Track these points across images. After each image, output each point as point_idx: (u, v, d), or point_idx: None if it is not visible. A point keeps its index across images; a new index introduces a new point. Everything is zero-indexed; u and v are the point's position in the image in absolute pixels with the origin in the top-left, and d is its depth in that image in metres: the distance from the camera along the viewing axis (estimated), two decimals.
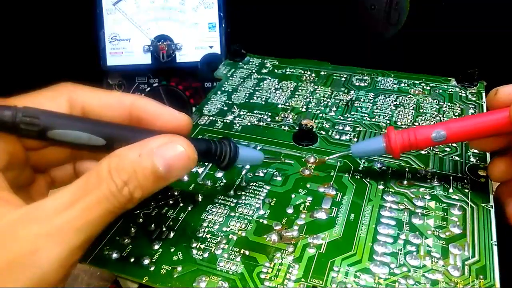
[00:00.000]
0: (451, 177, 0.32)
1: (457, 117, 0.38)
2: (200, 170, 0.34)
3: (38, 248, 0.20)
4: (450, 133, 0.28)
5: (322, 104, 0.41)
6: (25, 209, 0.21)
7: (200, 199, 0.31)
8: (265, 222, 0.29)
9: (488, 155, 0.34)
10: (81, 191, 0.21)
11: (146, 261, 0.26)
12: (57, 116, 0.23)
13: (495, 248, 0.26)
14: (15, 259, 0.20)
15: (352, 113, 0.40)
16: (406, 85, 0.44)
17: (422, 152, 0.34)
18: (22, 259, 0.20)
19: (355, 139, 0.36)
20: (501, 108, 0.27)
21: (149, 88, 0.53)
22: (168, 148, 0.22)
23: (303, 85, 0.45)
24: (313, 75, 0.47)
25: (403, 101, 0.41)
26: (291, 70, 0.48)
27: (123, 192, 0.21)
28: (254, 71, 0.48)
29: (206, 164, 0.34)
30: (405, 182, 0.32)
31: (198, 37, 0.52)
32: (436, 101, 0.41)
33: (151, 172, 0.21)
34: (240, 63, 0.49)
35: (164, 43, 0.52)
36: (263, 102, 0.42)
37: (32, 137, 0.22)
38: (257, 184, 0.32)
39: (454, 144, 0.35)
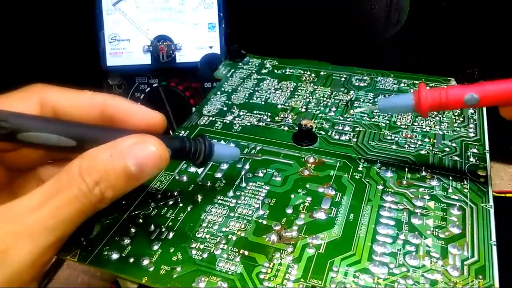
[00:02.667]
0: (450, 177, 0.32)
1: (457, 117, 0.38)
2: (200, 170, 0.34)
3: (8, 247, 0.20)
4: (483, 96, 0.27)
5: (321, 104, 0.41)
6: None
7: (199, 200, 0.31)
8: (264, 222, 0.29)
9: (487, 155, 0.34)
10: (52, 191, 0.21)
11: (146, 262, 0.26)
12: (26, 118, 0.23)
13: (494, 248, 0.26)
14: None
15: (352, 113, 0.40)
16: (405, 85, 0.44)
17: (422, 152, 0.34)
18: None
19: (355, 139, 0.36)
20: None
21: (149, 89, 0.53)
22: (139, 148, 0.22)
23: (302, 85, 0.45)
24: (313, 75, 0.47)
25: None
26: (291, 71, 0.48)
27: (94, 192, 0.21)
28: (253, 71, 0.48)
29: (204, 164, 0.34)
30: (405, 182, 0.32)
31: (198, 38, 0.52)
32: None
33: (122, 172, 0.22)
34: (240, 64, 0.49)
35: (164, 43, 0.52)
36: (263, 103, 0.42)
37: (1, 139, 0.22)
38: (256, 185, 0.32)
39: (454, 144, 0.35)
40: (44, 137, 0.22)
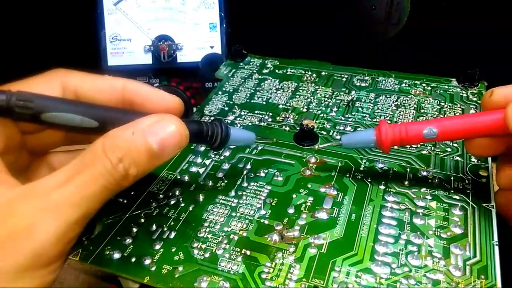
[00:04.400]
0: (452, 177, 0.32)
1: None
2: (201, 170, 0.34)
3: (35, 222, 0.20)
4: (441, 130, 0.28)
5: (323, 105, 0.41)
6: (22, 188, 0.21)
7: (201, 199, 0.31)
8: (266, 222, 0.29)
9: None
10: (77, 169, 0.21)
11: (148, 261, 0.26)
12: (50, 99, 0.23)
13: (496, 248, 0.26)
14: (12, 233, 0.20)
15: (353, 113, 0.40)
16: (407, 85, 0.44)
17: (423, 152, 0.34)
18: (19, 233, 0.20)
19: None
20: (496, 109, 0.27)
21: None
22: (160, 126, 0.23)
23: (304, 85, 0.45)
24: (314, 75, 0.47)
25: (404, 102, 0.41)
26: (292, 71, 0.48)
27: (118, 168, 0.21)
28: (255, 71, 0.48)
29: (207, 164, 0.34)
30: (406, 182, 0.32)
31: (199, 37, 0.52)
32: (437, 102, 0.41)
33: (145, 150, 0.22)
34: (241, 64, 0.49)
35: (165, 43, 0.52)
36: (264, 103, 0.42)
37: (26, 120, 0.23)
38: (258, 184, 0.32)
39: (455, 144, 0.35)
40: (67, 117, 0.23)
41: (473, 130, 0.28)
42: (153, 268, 0.26)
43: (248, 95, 0.43)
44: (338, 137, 0.36)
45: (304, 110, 0.41)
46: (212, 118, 0.40)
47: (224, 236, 0.28)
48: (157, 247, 0.27)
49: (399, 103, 0.41)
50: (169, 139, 0.23)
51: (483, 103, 0.28)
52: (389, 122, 0.38)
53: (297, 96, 0.43)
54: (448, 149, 0.35)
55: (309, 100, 0.42)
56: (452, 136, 0.29)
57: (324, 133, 0.37)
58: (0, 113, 0.22)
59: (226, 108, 0.41)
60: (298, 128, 0.37)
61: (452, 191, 0.31)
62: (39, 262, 0.20)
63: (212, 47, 0.53)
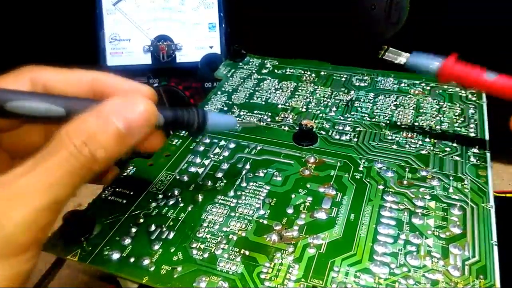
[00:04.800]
0: (451, 177, 0.32)
1: (458, 117, 0.38)
2: (200, 170, 0.34)
3: (1, 210, 0.20)
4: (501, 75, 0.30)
5: (322, 104, 0.41)
6: None
7: (200, 199, 0.31)
8: (265, 222, 0.29)
9: (488, 155, 0.34)
10: (42, 156, 0.21)
11: (146, 261, 0.26)
12: (13, 91, 0.23)
13: (495, 248, 0.26)
14: None
15: (352, 113, 0.40)
16: (406, 85, 0.44)
17: (422, 152, 0.34)
18: None
19: (355, 139, 0.36)
20: None
21: None
22: (126, 106, 0.22)
23: (303, 85, 0.45)
24: (313, 75, 0.47)
25: (403, 101, 0.41)
26: (291, 71, 0.48)
27: (83, 152, 0.21)
28: (254, 71, 0.48)
29: (206, 164, 0.34)
30: (405, 182, 0.32)
31: (198, 37, 0.52)
32: (436, 101, 0.41)
33: (111, 131, 0.22)
34: (240, 64, 0.49)
35: (164, 43, 0.52)
36: (263, 102, 0.42)
37: None
38: (257, 184, 0.32)
39: (454, 144, 0.35)
40: (32, 106, 0.23)
41: None
42: (152, 268, 0.26)
43: (247, 95, 0.43)
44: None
45: (303, 110, 0.41)
46: None
47: (223, 236, 0.28)
48: (156, 247, 0.27)
49: (398, 103, 0.41)
50: (136, 119, 0.22)
51: None
52: (388, 122, 0.38)
53: (296, 96, 0.43)
54: (447, 149, 0.35)
55: (308, 100, 0.42)
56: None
57: (323, 133, 0.37)
58: None
59: (226, 108, 0.41)
60: (297, 128, 0.37)
61: (451, 191, 0.31)
62: (9, 250, 0.20)
63: (211, 47, 0.53)
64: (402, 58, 0.34)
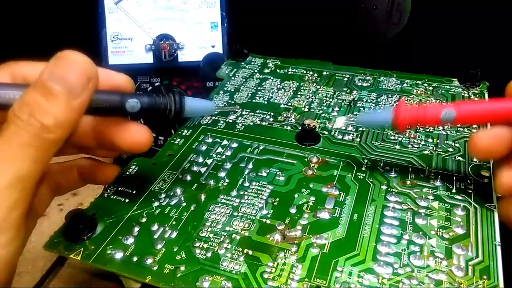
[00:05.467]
0: (454, 177, 0.32)
1: None
2: (203, 169, 0.34)
3: None
4: (459, 114, 0.28)
5: (324, 104, 0.41)
6: None
7: (202, 199, 0.31)
8: (268, 222, 0.29)
9: None
10: None
11: (149, 261, 0.26)
12: None
13: (498, 249, 0.26)
14: None
15: (355, 113, 0.40)
16: (408, 85, 0.44)
17: (425, 152, 0.34)
18: None
19: (358, 139, 0.36)
20: None
21: (150, 88, 0.53)
22: (58, 66, 0.22)
23: (305, 85, 0.45)
24: (315, 75, 0.47)
25: (405, 101, 0.41)
26: (293, 70, 0.48)
27: (31, 122, 0.21)
28: (256, 71, 0.48)
29: (209, 163, 0.34)
30: (408, 182, 0.32)
31: (200, 37, 0.52)
32: (439, 102, 0.41)
33: (50, 94, 0.21)
34: (242, 63, 0.49)
35: (166, 42, 0.52)
36: (266, 102, 0.42)
37: None
38: (259, 184, 0.32)
39: (457, 145, 0.35)
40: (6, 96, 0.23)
41: (491, 115, 0.27)
42: (155, 268, 0.26)
43: (250, 94, 0.43)
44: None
45: (306, 109, 0.41)
46: (214, 117, 0.40)
47: (226, 236, 0.28)
48: (159, 246, 0.27)
49: None
50: (71, 75, 0.22)
51: (507, 92, 0.28)
52: None
53: (299, 96, 0.43)
54: (450, 149, 0.35)
55: (310, 99, 0.42)
56: (470, 120, 0.29)
57: (326, 133, 0.37)
58: None
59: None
60: (300, 128, 0.37)
61: (454, 191, 0.31)
62: None
63: (213, 47, 0.52)
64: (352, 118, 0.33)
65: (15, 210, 0.21)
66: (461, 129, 0.37)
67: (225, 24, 0.52)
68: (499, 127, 0.27)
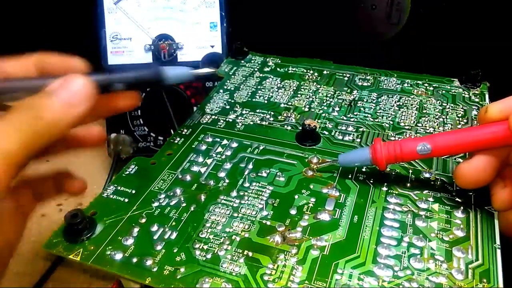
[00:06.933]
0: (454, 179, 0.32)
1: (461, 118, 0.38)
2: (203, 169, 0.33)
3: None
4: (435, 146, 0.28)
5: (325, 104, 0.41)
6: None
7: (202, 199, 0.31)
8: (268, 223, 0.29)
9: None
10: None
11: (149, 262, 0.26)
12: None
13: (498, 252, 0.26)
14: None
15: (355, 113, 0.40)
16: (409, 85, 0.44)
17: None
18: None
19: (358, 140, 0.36)
20: (494, 122, 0.27)
21: (149, 88, 0.53)
22: (63, 82, 0.25)
23: (305, 84, 0.45)
24: (316, 74, 0.46)
25: (406, 102, 0.41)
26: (294, 69, 0.47)
27: (31, 112, 0.23)
28: (256, 69, 0.47)
29: (209, 163, 0.34)
30: (409, 184, 0.31)
31: (199, 37, 0.52)
32: (439, 102, 0.41)
33: (54, 99, 0.24)
34: (242, 61, 0.49)
35: (165, 42, 0.51)
36: (266, 101, 0.42)
37: None
38: (260, 185, 0.32)
39: None
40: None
41: (467, 145, 0.28)
42: (155, 269, 0.26)
43: (250, 93, 0.43)
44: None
45: (306, 109, 0.41)
46: (214, 116, 0.40)
47: (226, 237, 0.28)
48: (159, 247, 0.27)
49: (401, 103, 0.41)
50: (74, 91, 0.25)
51: (479, 119, 0.28)
52: (391, 123, 0.38)
53: (299, 95, 0.43)
54: None
55: (311, 99, 0.42)
56: (446, 151, 0.30)
57: (326, 133, 0.37)
58: None
59: (228, 107, 0.41)
60: (300, 128, 0.37)
61: (454, 193, 0.31)
62: None
63: (212, 47, 0.52)
64: (332, 161, 0.33)
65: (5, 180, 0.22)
66: None
67: (224, 24, 0.52)
68: (480, 156, 0.28)
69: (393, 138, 0.36)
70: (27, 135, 0.23)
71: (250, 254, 0.27)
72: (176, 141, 0.37)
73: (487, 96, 0.41)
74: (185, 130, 0.38)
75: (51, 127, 0.24)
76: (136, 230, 0.28)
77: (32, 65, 0.29)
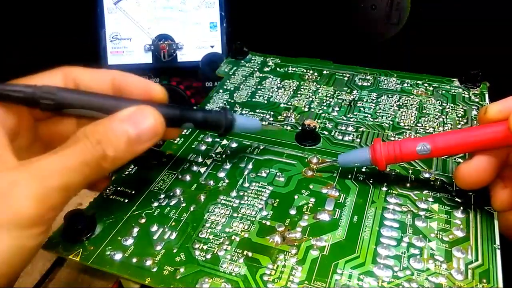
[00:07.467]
0: (454, 180, 0.32)
1: (461, 118, 0.38)
2: (203, 169, 0.33)
3: (16, 181, 0.22)
4: (435, 146, 0.28)
5: (324, 104, 0.41)
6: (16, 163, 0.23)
7: (202, 199, 0.31)
8: (268, 223, 0.29)
9: None
10: (60, 148, 0.24)
11: (149, 262, 0.26)
12: (69, 92, 0.26)
13: (498, 252, 0.26)
14: None
15: (355, 113, 0.40)
16: (409, 85, 0.44)
17: None
18: (1, 190, 0.21)
19: (358, 140, 0.36)
20: (494, 122, 0.27)
21: None
22: (138, 116, 0.25)
23: (305, 84, 0.45)
24: (316, 74, 0.46)
25: (406, 102, 0.41)
26: (293, 69, 0.47)
27: (96, 148, 0.24)
28: (256, 69, 0.47)
29: (208, 163, 0.34)
30: (408, 184, 0.31)
31: (199, 37, 0.52)
32: (439, 102, 0.41)
33: (122, 134, 0.25)
34: (242, 61, 0.49)
35: (165, 42, 0.51)
36: (265, 101, 0.42)
37: (49, 110, 0.26)
38: (259, 185, 0.32)
39: None
40: (84, 112, 0.27)
41: (467, 145, 0.28)
42: (155, 269, 0.26)
43: (249, 93, 0.43)
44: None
45: (306, 109, 0.41)
46: None
47: (226, 237, 0.28)
48: (158, 247, 0.27)
49: (401, 103, 0.41)
50: (145, 129, 0.25)
51: (479, 120, 0.28)
52: (391, 123, 0.38)
53: (299, 95, 0.43)
54: None
55: (310, 99, 0.42)
56: (446, 152, 0.30)
57: (326, 133, 0.37)
58: (27, 104, 0.25)
59: (228, 107, 0.41)
60: (300, 128, 0.37)
61: (454, 194, 0.31)
62: (18, 220, 0.21)
63: (212, 47, 0.52)
64: (332, 161, 0.33)
65: (54, 211, 0.23)
66: None
67: (224, 24, 0.52)
68: (480, 156, 0.28)
69: (393, 138, 0.36)
70: (90, 171, 0.24)
71: (250, 254, 0.27)
72: (176, 141, 0.37)
73: (487, 96, 0.41)
74: (185, 130, 0.38)
75: (114, 164, 0.25)
76: (136, 230, 0.28)
77: (109, 81, 0.29)
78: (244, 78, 0.46)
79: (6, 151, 0.23)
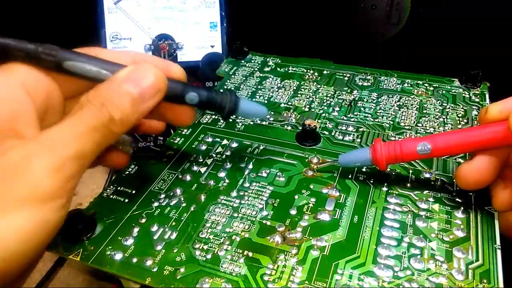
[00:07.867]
0: (454, 180, 0.32)
1: (461, 118, 0.38)
2: (203, 169, 0.33)
3: (30, 154, 0.21)
4: (435, 146, 0.28)
5: (325, 104, 0.41)
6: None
7: (202, 199, 0.31)
8: (268, 223, 0.29)
9: None
10: (67, 117, 0.23)
11: (149, 262, 0.26)
12: (71, 51, 0.26)
13: (498, 252, 0.26)
14: (9, 165, 0.21)
15: (356, 113, 0.40)
16: (409, 85, 0.44)
17: None
18: (17, 165, 0.21)
19: (358, 140, 0.36)
20: (494, 122, 0.27)
21: None
22: (138, 74, 0.25)
23: (306, 84, 0.45)
24: (316, 74, 0.46)
25: (406, 102, 0.41)
26: (294, 69, 0.47)
27: (102, 111, 0.23)
28: (256, 69, 0.47)
29: (209, 163, 0.34)
30: (409, 184, 0.31)
31: (199, 37, 0.52)
32: (440, 102, 0.41)
33: (125, 95, 0.24)
34: (242, 61, 0.49)
35: (165, 42, 0.51)
36: (266, 101, 0.42)
37: (51, 68, 0.25)
38: (260, 185, 0.32)
39: None
40: (86, 68, 0.26)
41: (467, 145, 0.28)
42: (155, 269, 0.26)
43: (250, 93, 0.43)
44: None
45: (306, 109, 0.41)
46: (214, 116, 0.40)
47: (226, 237, 0.28)
48: (159, 247, 0.27)
49: (401, 103, 0.41)
50: (146, 86, 0.25)
51: (480, 120, 0.28)
52: (391, 123, 0.38)
53: (299, 95, 0.43)
54: None
55: (311, 99, 0.42)
56: (446, 152, 0.30)
57: (326, 133, 0.37)
58: (29, 59, 0.25)
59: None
60: (300, 128, 0.37)
61: (454, 194, 0.31)
62: (37, 194, 0.21)
63: (212, 46, 0.52)
64: (332, 161, 0.33)
65: (72, 181, 0.23)
66: None
67: (224, 24, 0.52)
68: (481, 156, 0.28)
69: (393, 138, 0.36)
70: (100, 136, 0.24)
71: (250, 254, 0.27)
72: (176, 141, 0.37)
73: (487, 96, 0.41)
74: (185, 130, 0.38)
75: (123, 126, 0.24)
76: (136, 230, 0.28)
77: (130, 62, 0.28)
78: (244, 78, 0.46)
79: (27, 127, 0.23)
